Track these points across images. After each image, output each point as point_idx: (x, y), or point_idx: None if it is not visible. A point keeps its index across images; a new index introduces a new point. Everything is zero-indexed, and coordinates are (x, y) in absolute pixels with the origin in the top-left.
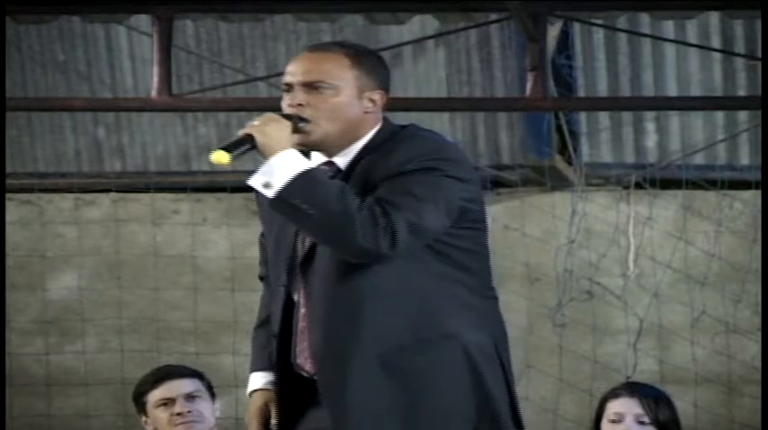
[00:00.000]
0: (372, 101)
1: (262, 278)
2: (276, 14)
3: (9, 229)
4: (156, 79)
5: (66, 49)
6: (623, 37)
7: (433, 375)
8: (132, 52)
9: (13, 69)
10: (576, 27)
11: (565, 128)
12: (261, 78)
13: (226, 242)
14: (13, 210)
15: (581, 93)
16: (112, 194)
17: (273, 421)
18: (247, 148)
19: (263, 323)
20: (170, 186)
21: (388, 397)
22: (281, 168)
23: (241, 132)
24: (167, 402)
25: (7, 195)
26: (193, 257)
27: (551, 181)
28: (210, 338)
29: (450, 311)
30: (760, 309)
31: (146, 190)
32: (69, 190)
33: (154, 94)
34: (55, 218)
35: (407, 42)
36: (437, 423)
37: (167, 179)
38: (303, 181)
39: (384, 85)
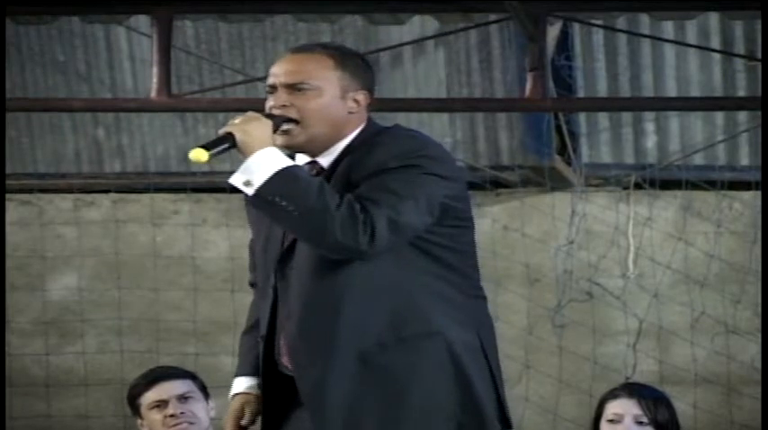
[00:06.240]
0: (356, 101)
1: (252, 285)
2: (276, 15)
3: (9, 230)
4: (155, 80)
5: (66, 49)
6: (623, 37)
7: (415, 373)
8: (132, 53)
9: (13, 69)
10: (576, 27)
11: (564, 128)
12: (261, 79)
13: (225, 243)
14: (12, 211)
15: (581, 93)
16: (112, 195)
17: (243, 422)
18: (227, 147)
19: (251, 328)
20: (170, 187)
21: (368, 395)
22: (261, 166)
23: (221, 131)
24: (160, 404)
25: (7, 196)
26: (193, 258)
27: (551, 181)
28: (210, 339)
29: (434, 309)
30: (760, 309)
31: (145, 190)
32: (69, 190)
33: (153, 94)
34: (55, 218)
35: (407, 43)
36: (419, 421)
37: (167, 180)
38: (283, 178)
39: (368, 86)
